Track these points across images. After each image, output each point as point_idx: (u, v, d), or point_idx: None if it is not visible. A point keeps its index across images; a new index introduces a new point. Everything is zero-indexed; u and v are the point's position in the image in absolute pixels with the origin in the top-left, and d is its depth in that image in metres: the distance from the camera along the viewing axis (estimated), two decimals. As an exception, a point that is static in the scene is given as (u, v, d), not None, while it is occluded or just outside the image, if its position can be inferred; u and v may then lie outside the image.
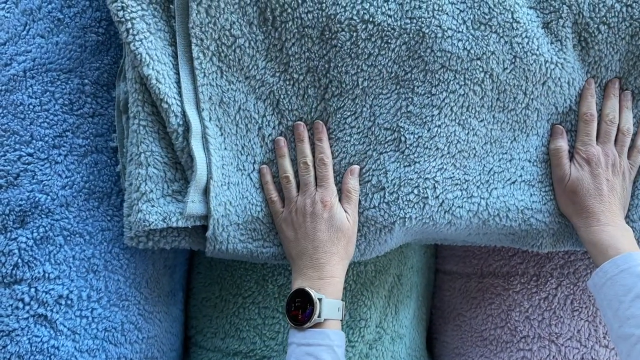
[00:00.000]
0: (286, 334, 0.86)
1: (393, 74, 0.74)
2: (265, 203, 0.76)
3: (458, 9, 0.73)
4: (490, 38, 0.73)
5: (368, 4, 0.71)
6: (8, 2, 0.76)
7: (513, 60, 0.74)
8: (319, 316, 0.68)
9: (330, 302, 0.69)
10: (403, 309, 0.92)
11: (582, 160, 0.77)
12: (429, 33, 0.72)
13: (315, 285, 0.70)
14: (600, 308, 0.70)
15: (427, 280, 0.98)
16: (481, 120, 0.76)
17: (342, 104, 0.75)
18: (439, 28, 0.72)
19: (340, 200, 0.75)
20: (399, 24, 0.72)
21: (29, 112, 0.74)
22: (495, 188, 0.78)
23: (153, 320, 0.81)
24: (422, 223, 0.76)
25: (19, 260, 0.71)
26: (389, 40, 0.72)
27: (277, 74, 0.74)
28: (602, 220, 0.74)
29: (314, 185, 0.75)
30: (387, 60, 0.73)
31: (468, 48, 0.73)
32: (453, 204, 0.76)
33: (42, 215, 0.72)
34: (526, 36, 0.74)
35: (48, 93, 0.75)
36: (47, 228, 0.72)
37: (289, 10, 0.71)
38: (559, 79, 0.76)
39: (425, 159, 0.75)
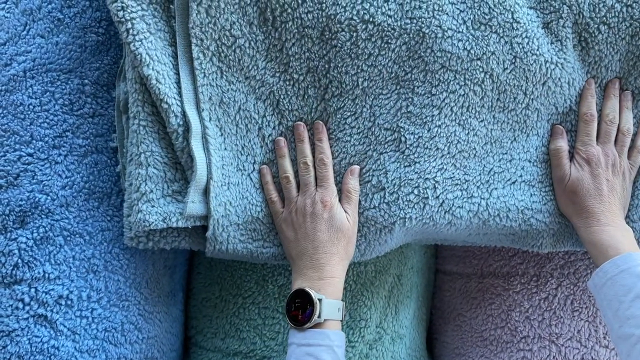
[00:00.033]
0: (286, 334, 0.86)
1: (393, 74, 0.74)
2: (265, 203, 0.76)
3: (458, 9, 0.73)
4: (491, 38, 0.73)
5: (368, 4, 0.71)
6: (8, 2, 0.76)
7: (513, 61, 0.74)
8: (319, 316, 0.68)
9: (330, 303, 0.69)
10: (403, 309, 0.92)
11: (582, 161, 0.77)
12: (429, 33, 0.72)
13: (315, 286, 0.70)
14: (601, 308, 0.70)
15: (427, 281, 0.98)
16: (481, 121, 0.76)
17: (342, 104, 0.75)
18: (439, 28, 0.72)
19: (340, 200, 0.75)
20: (399, 24, 0.72)
21: (29, 112, 0.74)
22: (496, 188, 0.78)
23: (153, 321, 0.81)
24: (422, 223, 0.76)
25: (19, 261, 0.71)
26: (389, 41, 0.72)
27: (277, 74, 0.74)
28: (602, 221, 0.74)
29: (314, 185, 0.75)
30: (387, 60, 0.73)
31: (468, 48, 0.73)
32: (453, 204, 0.76)
33: (42, 216, 0.72)
34: (526, 36, 0.74)
35: (48, 93, 0.75)
36: (47, 228, 0.72)
37: (289, 10, 0.71)
38: (559, 79, 0.76)
39: (426, 159, 0.75)
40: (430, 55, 0.73)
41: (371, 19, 0.71)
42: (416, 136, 0.75)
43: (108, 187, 0.77)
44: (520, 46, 0.74)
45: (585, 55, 0.76)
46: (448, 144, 0.76)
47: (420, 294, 0.97)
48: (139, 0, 0.69)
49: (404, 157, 0.75)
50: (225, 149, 0.74)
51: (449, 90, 0.74)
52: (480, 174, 0.77)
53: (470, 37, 0.73)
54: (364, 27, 0.72)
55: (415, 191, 0.75)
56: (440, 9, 0.72)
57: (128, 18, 0.68)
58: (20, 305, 0.71)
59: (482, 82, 0.74)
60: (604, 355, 0.86)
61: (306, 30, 0.72)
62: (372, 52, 0.73)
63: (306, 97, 0.75)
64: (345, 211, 0.74)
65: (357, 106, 0.75)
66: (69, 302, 0.73)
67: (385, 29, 0.72)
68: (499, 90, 0.75)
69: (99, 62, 0.78)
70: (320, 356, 0.66)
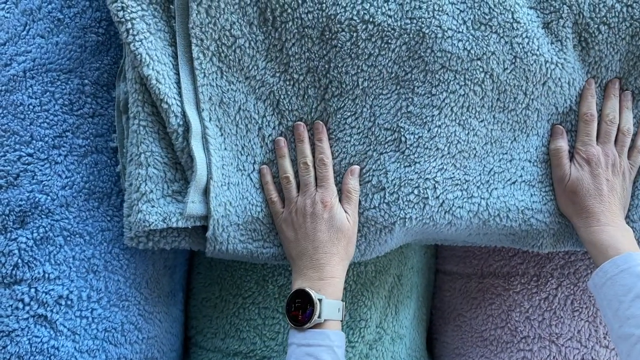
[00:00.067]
0: (286, 335, 0.86)
1: (393, 74, 0.74)
2: (266, 203, 0.76)
3: (458, 9, 0.73)
4: (491, 38, 0.73)
5: (368, 4, 0.71)
6: (8, 2, 0.76)
7: (513, 61, 0.74)
8: (319, 317, 0.68)
9: (330, 303, 0.69)
10: (403, 309, 0.92)
11: (582, 161, 0.77)
12: (429, 33, 0.72)
13: (315, 286, 0.70)
14: (601, 308, 0.70)
15: (427, 281, 0.98)
16: (481, 121, 0.76)
17: (342, 104, 0.75)
18: (439, 28, 0.72)
19: (340, 200, 0.75)
20: (399, 24, 0.72)
21: (29, 112, 0.74)
22: (496, 188, 0.78)
23: (153, 321, 0.81)
24: (423, 223, 0.76)
25: (19, 261, 0.71)
26: (389, 41, 0.72)
27: (277, 74, 0.74)
28: (602, 221, 0.74)
29: (314, 185, 0.75)
30: (387, 60, 0.73)
31: (468, 48, 0.73)
32: (453, 204, 0.76)
33: (42, 216, 0.72)
34: (526, 36, 0.74)
35: (48, 93, 0.75)
36: (47, 228, 0.72)
37: (289, 10, 0.71)
38: (559, 79, 0.76)
39: (426, 159, 0.75)
40: (431, 55, 0.73)
41: (371, 19, 0.71)
42: (416, 136, 0.75)
43: (108, 187, 0.77)
44: (521, 46, 0.74)
45: (585, 55, 0.76)
46: (448, 144, 0.76)
47: (421, 294, 0.97)
48: (139, 0, 0.69)
49: (404, 157, 0.75)
50: (225, 149, 0.74)
51: (449, 90, 0.74)
52: (480, 174, 0.77)
53: (471, 37, 0.73)
54: (364, 27, 0.72)
55: (416, 191, 0.75)
56: (440, 9, 0.72)
57: (128, 18, 0.68)
58: (20, 305, 0.71)
59: (482, 82, 0.74)
60: (604, 356, 0.86)
61: (306, 30, 0.72)
62: (372, 52, 0.73)
63: (306, 97, 0.75)
64: (346, 211, 0.74)
65: (357, 106, 0.75)
66: (69, 302, 0.73)
67: (385, 29, 0.72)
68: (499, 90, 0.75)
69: (99, 62, 0.78)
70: (321, 356, 0.66)
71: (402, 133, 0.75)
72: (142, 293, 0.79)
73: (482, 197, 0.77)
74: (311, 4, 0.71)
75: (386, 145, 0.75)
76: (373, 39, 0.72)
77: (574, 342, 0.86)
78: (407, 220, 0.75)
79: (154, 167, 0.70)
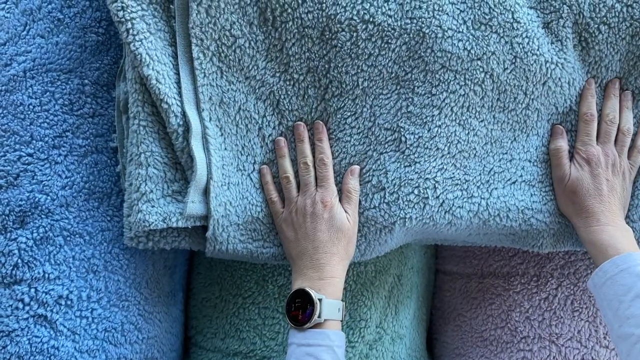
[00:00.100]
0: (286, 335, 0.86)
1: (393, 74, 0.74)
2: (266, 203, 0.76)
3: (458, 9, 0.73)
4: (491, 38, 0.73)
5: (368, 4, 0.71)
6: (8, 2, 0.76)
7: (513, 61, 0.74)
8: (319, 316, 0.68)
9: (330, 303, 0.69)
10: (403, 309, 0.92)
11: (582, 160, 0.77)
12: (429, 33, 0.72)
13: (315, 286, 0.70)
14: (600, 308, 0.70)
15: (427, 281, 0.98)
16: (481, 121, 0.76)
17: (343, 104, 0.75)
18: (439, 28, 0.72)
19: (340, 200, 0.75)
20: (399, 24, 0.72)
21: (29, 112, 0.74)
22: (496, 188, 0.78)
23: (153, 321, 0.81)
24: (423, 223, 0.76)
25: (19, 261, 0.71)
26: (389, 41, 0.72)
27: (277, 74, 0.74)
28: (601, 220, 0.74)
29: (314, 185, 0.75)
30: (387, 60, 0.73)
31: (468, 48, 0.73)
32: (453, 204, 0.76)
33: (42, 216, 0.72)
34: (526, 36, 0.74)
35: (48, 93, 0.75)
36: (47, 228, 0.72)
37: (289, 10, 0.71)
38: (559, 79, 0.76)
39: (426, 159, 0.75)
40: (431, 55, 0.73)
41: (371, 19, 0.71)
42: (416, 136, 0.75)
43: (108, 187, 0.77)
44: (521, 46, 0.74)
45: (585, 55, 0.76)
46: (448, 144, 0.76)
47: (421, 294, 0.97)
48: (139, 0, 0.69)
49: (404, 157, 0.75)
50: (225, 149, 0.74)
51: (449, 90, 0.74)
52: (480, 174, 0.77)
53: (471, 37, 0.73)
54: (364, 27, 0.72)
55: (416, 191, 0.75)
56: (441, 9, 0.72)
57: (128, 18, 0.68)
58: (20, 305, 0.71)
59: (483, 82, 0.74)
60: (604, 356, 0.86)
61: (306, 30, 0.72)
62: (372, 52, 0.73)
63: (306, 97, 0.75)
64: (346, 211, 0.74)
65: (357, 106, 0.75)
66: (69, 302, 0.73)
67: (386, 29, 0.72)
68: (499, 90, 0.75)
69: (99, 62, 0.78)
70: (320, 356, 0.66)
71: (402, 133, 0.75)
72: (142, 293, 0.79)
73: (482, 197, 0.77)
74: (311, 4, 0.71)
75: (386, 145, 0.75)
76: (373, 39, 0.72)
77: (574, 342, 0.86)
78: (407, 220, 0.75)
79: (154, 167, 0.70)
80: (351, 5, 0.71)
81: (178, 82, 0.71)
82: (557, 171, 0.78)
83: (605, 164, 0.76)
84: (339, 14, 0.71)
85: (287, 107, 0.75)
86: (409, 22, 0.72)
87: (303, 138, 0.75)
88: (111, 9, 0.68)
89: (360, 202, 0.76)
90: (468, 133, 0.76)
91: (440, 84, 0.74)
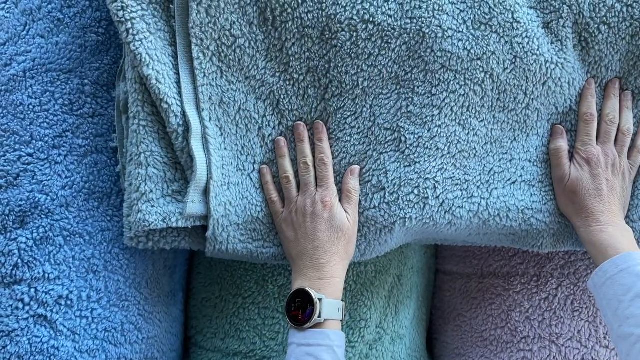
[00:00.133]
0: (286, 335, 0.86)
1: (393, 74, 0.74)
2: (266, 203, 0.76)
3: (458, 9, 0.73)
4: (491, 38, 0.73)
5: (368, 4, 0.71)
6: (8, 2, 0.76)
7: (513, 61, 0.74)
8: (319, 316, 0.68)
9: (330, 303, 0.69)
10: (403, 309, 0.92)
11: (582, 160, 0.77)
12: (429, 33, 0.72)
13: (315, 286, 0.70)
14: (600, 308, 0.70)
15: (427, 281, 0.98)
16: (481, 121, 0.76)
17: (342, 104, 0.75)
18: (439, 28, 0.72)
19: (340, 200, 0.75)
20: (399, 24, 0.72)
21: (29, 112, 0.74)
22: (496, 188, 0.78)
23: (153, 321, 0.81)
24: (423, 223, 0.76)
25: (19, 261, 0.71)
26: (389, 40, 0.72)
27: (277, 74, 0.74)
28: (601, 220, 0.74)
29: (314, 185, 0.75)
30: (387, 60, 0.73)
31: (468, 48, 0.73)
32: (453, 204, 0.76)
33: (42, 216, 0.72)
34: (526, 36, 0.74)
35: (48, 93, 0.75)
36: (47, 228, 0.72)
37: (289, 10, 0.71)
38: (559, 79, 0.76)
39: (426, 159, 0.75)
40: (431, 55, 0.73)
41: (371, 19, 0.71)
42: (416, 136, 0.75)
43: (108, 187, 0.77)
44: (521, 46, 0.74)
45: (585, 55, 0.76)
46: (448, 144, 0.76)
47: (421, 294, 0.97)
48: (139, 0, 0.69)
49: (404, 157, 0.75)
50: (225, 148, 0.74)
51: (449, 90, 0.74)
52: (480, 174, 0.77)
53: (471, 37, 0.73)
54: (364, 27, 0.72)
55: (416, 191, 0.75)
56: (441, 8, 0.72)
57: (128, 18, 0.68)
58: (20, 305, 0.71)
59: (483, 82, 0.74)
60: (604, 356, 0.86)
61: (306, 30, 0.72)
62: (372, 52, 0.73)
63: (306, 97, 0.75)
64: (346, 211, 0.74)
65: (357, 106, 0.75)
66: (68, 302, 0.73)
67: (386, 28, 0.72)
68: (499, 90, 0.75)
69: (99, 62, 0.78)
70: (321, 356, 0.66)
71: (402, 133, 0.75)
72: (142, 293, 0.79)
73: (482, 197, 0.77)
74: (311, 4, 0.71)
75: (386, 145, 0.75)
76: (373, 39, 0.72)
77: (574, 342, 0.86)
78: (407, 220, 0.75)
79: (153, 167, 0.70)
80: (351, 5, 0.71)
81: (178, 82, 0.71)
82: (557, 171, 0.78)
83: (605, 164, 0.76)
84: (339, 13, 0.71)
85: (287, 107, 0.75)
86: (409, 22, 0.72)
87: (303, 138, 0.75)
88: (111, 9, 0.68)
89: (360, 202, 0.76)
90: (468, 133, 0.76)
91: (440, 84, 0.74)
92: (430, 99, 0.74)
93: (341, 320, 0.71)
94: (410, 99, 0.74)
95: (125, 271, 0.77)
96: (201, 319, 0.90)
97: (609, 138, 0.77)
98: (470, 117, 0.75)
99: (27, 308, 0.71)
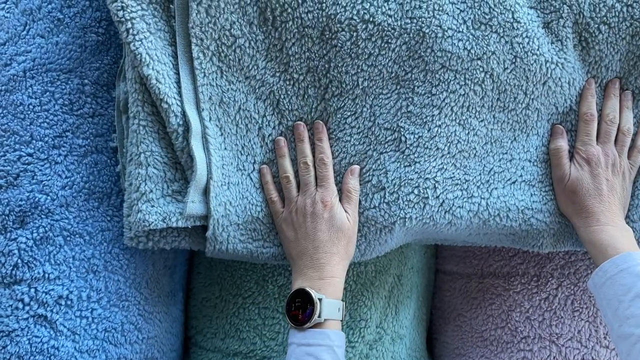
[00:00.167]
0: (286, 334, 0.86)
1: (393, 74, 0.74)
2: (266, 203, 0.76)
3: (458, 8, 0.73)
4: (491, 38, 0.73)
5: (368, 4, 0.71)
6: (8, 2, 0.76)
7: (513, 60, 0.74)
8: (319, 316, 0.68)
9: (330, 302, 0.69)
10: (403, 309, 0.92)
11: (582, 160, 0.77)
12: (429, 33, 0.72)
13: (315, 286, 0.70)
14: (600, 308, 0.70)
15: (427, 281, 0.98)
16: (481, 120, 0.76)
17: (342, 104, 0.75)
18: (439, 28, 0.72)
19: (340, 200, 0.75)
20: (399, 23, 0.72)
21: (29, 112, 0.74)
22: (496, 188, 0.78)
23: (153, 321, 0.81)
24: (423, 223, 0.76)
25: (19, 261, 0.71)
26: (389, 40, 0.72)
27: (277, 74, 0.74)
28: (601, 220, 0.74)
29: (314, 185, 0.75)
30: (387, 60, 0.73)
31: (468, 48, 0.73)
32: (453, 204, 0.76)
33: (42, 216, 0.72)
34: (527, 36, 0.74)
35: (48, 93, 0.75)
36: (47, 228, 0.72)
37: (289, 10, 0.71)
38: (559, 79, 0.76)
39: (426, 159, 0.75)
40: (431, 55, 0.73)
41: (371, 19, 0.71)
42: (416, 136, 0.75)
43: (108, 187, 0.77)
44: (521, 46, 0.74)
45: (585, 55, 0.76)
46: (448, 144, 0.76)
47: (421, 294, 0.97)
48: (139, 0, 0.69)
49: (404, 157, 0.75)
50: (225, 148, 0.74)
51: (449, 90, 0.74)
52: (480, 174, 0.77)
53: (471, 36, 0.73)
54: (364, 26, 0.72)
55: (416, 191, 0.75)
56: (441, 8, 0.72)
57: (128, 18, 0.68)
58: (20, 305, 0.71)
59: (483, 82, 0.74)
60: (604, 356, 0.86)
61: (306, 30, 0.72)
62: (372, 51, 0.73)
63: (306, 96, 0.75)
64: (346, 211, 0.74)
65: (357, 106, 0.75)
66: (68, 302, 0.73)
67: (386, 28, 0.72)
68: (499, 90, 0.75)
69: (99, 62, 0.78)
70: (321, 356, 0.66)
71: (402, 133, 0.75)
72: (142, 293, 0.79)
73: (482, 196, 0.77)
74: (311, 4, 0.71)
75: (386, 145, 0.75)
76: (373, 39, 0.72)
77: (574, 342, 0.86)
78: (407, 220, 0.75)
79: (153, 166, 0.70)
80: (351, 5, 0.71)
81: (178, 82, 0.71)
82: (557, 171, 0.78)
83: (605, 163, 0.76)
84: (339, 13, 0.71)
85: (287, 106, 0.75)
86: (409, 21, 0.72)
87: (303, 138, 0.75)
88: (111, 9, 0.68)
89: (360, 202, 0.76)
90: (468, 133, 0.76)
91: (440, 84, 0.74)
92: (430, 98, 0.74)
93: (341, 320, 0.71)
94: (410, 99, 0.74)
95: (125, 271, 0.77)
96: (201, 319, 0.90)
97: (609, 138, 0.77)
98: (470, 117, 0.75)
99: (27, 308, 0.71)
